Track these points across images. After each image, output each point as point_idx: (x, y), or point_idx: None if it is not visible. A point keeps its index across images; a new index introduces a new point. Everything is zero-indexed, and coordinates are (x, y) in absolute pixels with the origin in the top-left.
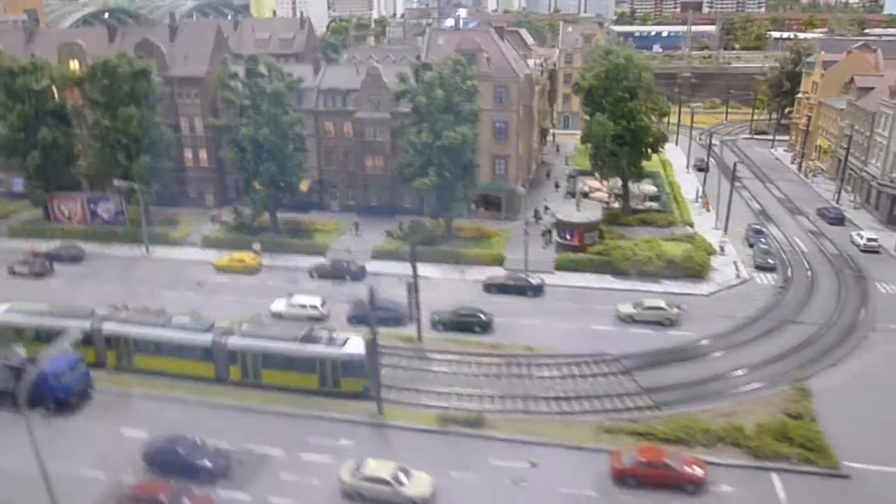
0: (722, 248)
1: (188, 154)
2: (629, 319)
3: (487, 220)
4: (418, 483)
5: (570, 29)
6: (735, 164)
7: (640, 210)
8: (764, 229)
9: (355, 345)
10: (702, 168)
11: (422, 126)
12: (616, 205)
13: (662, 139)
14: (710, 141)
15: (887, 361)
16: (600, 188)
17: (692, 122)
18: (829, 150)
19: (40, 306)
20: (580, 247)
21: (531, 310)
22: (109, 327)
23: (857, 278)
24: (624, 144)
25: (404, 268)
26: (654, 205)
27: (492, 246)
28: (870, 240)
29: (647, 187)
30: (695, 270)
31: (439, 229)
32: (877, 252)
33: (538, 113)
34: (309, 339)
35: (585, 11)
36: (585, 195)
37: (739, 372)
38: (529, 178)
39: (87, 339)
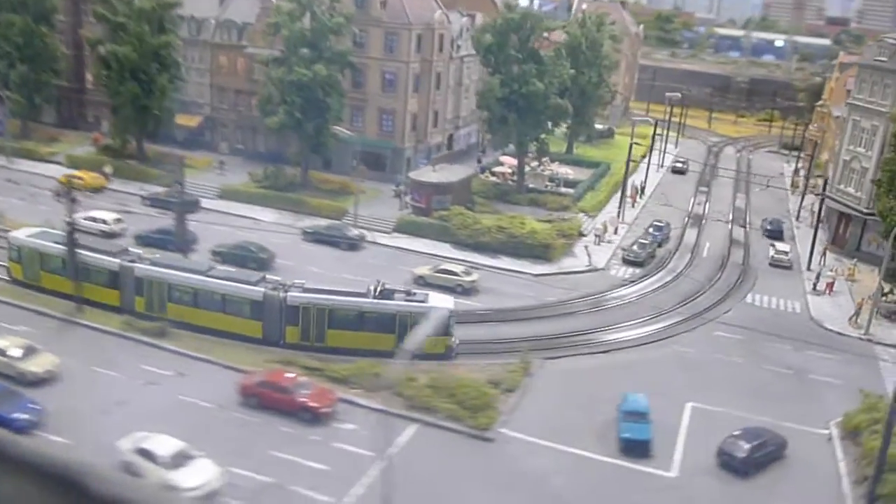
0: (598, 237)
1: (89, 76)
2: (421, 281)
3: (368, 179)
4: (41, 361)
5: (584, 6)
6: (684, 163)
7: (537, 190)
8: (664, 228)
9: (440, 300)
10: (678, 171)
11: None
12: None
13: (564, 113)
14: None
15: (651, 365)
16: (509, 163)
17: (709, 126)
18: (823, 164)
19: (62, 234)
20: (426, 209)
21: (331, 260)
22: (143, 269)
23: (732, 288)
24: (518, 113)
25: (250, 209)
26: (567, 190)
27: (345, 201)
28: (779, 252)
29: (562, 169)
30: (539, 250)
31: (297, 178)
32: (786, 267)
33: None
34: (384, 294)
35: (718, 14)
36: (493, 172)
37: (486, 342)
38: (428, 142)
39: (113, 280)
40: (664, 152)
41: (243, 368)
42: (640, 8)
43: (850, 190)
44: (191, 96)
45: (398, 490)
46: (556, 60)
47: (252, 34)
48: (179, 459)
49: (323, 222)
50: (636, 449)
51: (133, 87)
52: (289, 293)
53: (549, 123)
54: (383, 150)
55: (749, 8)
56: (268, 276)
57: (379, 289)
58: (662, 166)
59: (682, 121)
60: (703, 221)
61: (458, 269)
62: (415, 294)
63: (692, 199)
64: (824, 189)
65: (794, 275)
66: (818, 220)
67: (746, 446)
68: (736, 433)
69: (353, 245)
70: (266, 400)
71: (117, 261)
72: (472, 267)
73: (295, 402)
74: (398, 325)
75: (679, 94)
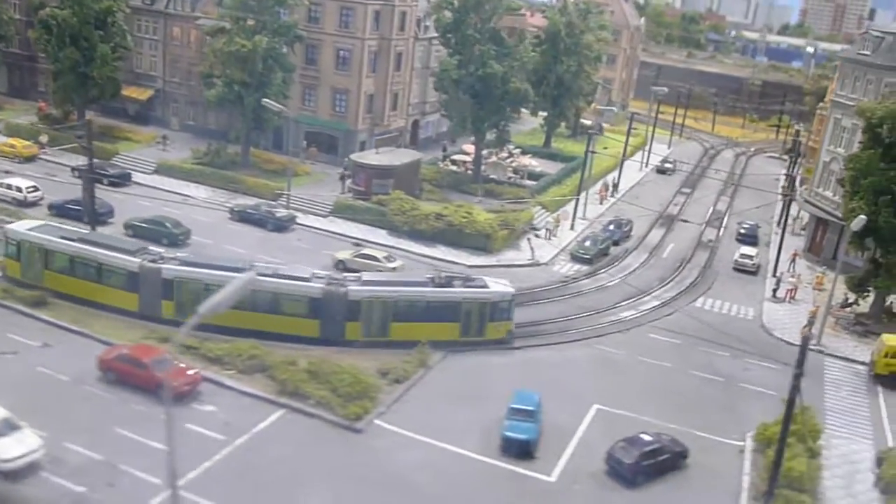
0: (548, 232)
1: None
2: (341, 266)
3: (319, 161)
4: None
5: None
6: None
7: (495, 181)
8: (623, 226)
9: (499, 284)
10: (664, 171)
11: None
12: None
13: (524, 99)
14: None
15: (569, 364)
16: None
17: (713, 129)
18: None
19: (78, 231)
20: (366, 193)
21: (253, 240)
22: (173, 271)
23: (683, 290)
24: (474, 96)
25: (183, 186)
26: (530, 182)
27: (286, 182)
28: (743, 256)
29: (526, 161)
30: (479, 241)
31: (239, 156)
32: (751, 272)
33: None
34: (444, 282)
35: (754, 20)
36: (453, 161)
37: None
38: (387, 126)
39: (132, 282)
40: (649, 150)
41: (115, 342)
42: (670, 9)
43: (828, 194)
44: (143, 69)
45: (238, 477)
46: (519, 43)
47: (206, 4)
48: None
49: (252, 201)
50: (517, 449)
51: (72, 52)
52: (349, 287)
53: (510, 109)
54: (336, 132)
55: (786, 15)
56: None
57: (435, 279)
58: (647, 165)
59: (683, 121)
60: (675, 222)
61: (379, 254)
62: (473, 280)
63: (670, 200)
64: (791, 189)
65: (757, 280)
66: (785, 224)
67: (636, 453)
68: (628, 438)
69: (281, 226)
70: (123, 375)
71: (136, 260)
72: (408, 255)
73: (151, 378)
74: (462, 313)
75: (665, 89)
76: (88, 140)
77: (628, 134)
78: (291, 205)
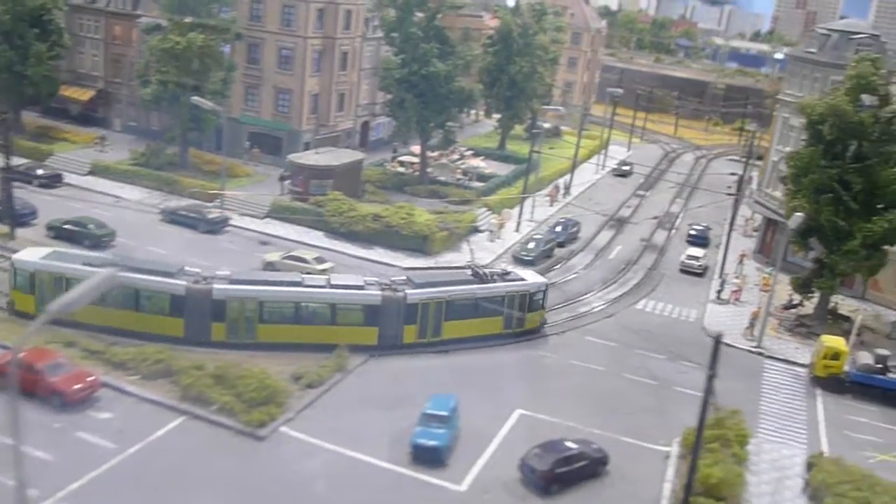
0: (491, 233)
1: None
2: (270, 268)
3: (262, 163)
4: None
5: None
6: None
7: (441, 182)
8: (569, 227)
9: (532, 275)
10: (621, 174)
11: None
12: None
13: (469, 99)
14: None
15: (498, 368)
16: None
17: (675, 132)
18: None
19: (100, 256)
20: (303, 194)
21: (182, 242)
22: (223, 290)
23: (626, 292)
24: (419, 96)
25: (117, 187)
26: (478, 184)
27: (227, 183)
28: (690, 257)
29: (476, 162)
30: (417, 242)
31: (177, 157)
32: (698, 274)
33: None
34: (485, 277)
35: (727, 28)
36: (400, 162)
37: None
38: (334, 128)
39: (177, 306)
40: (606, 153)
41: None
42: (643, 15)
43: (777, 194)
44: (85, 68)
45: (123, 488)
46: (464, 41)
47: (148, 2)
48: None
49: (183, 203)
50: (427, 456)
51: (5, 51)
52: (407, 291)
53: (456, 109)
54: (279, 133)
55: (758, 22)
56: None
57: (474, 273)
58: (604, 168)
59: (644, 124)
60: (626, 224)
61: (309, 256)
62: (509, 273)
63: (624, 202)
64: (738, 189)
65: (704, 282)
66: (731, 224)
67: (550, 460)
68: (543, 444)
69: (212, 228)
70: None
71: (182, 282)
72: (343, 257)
73: (44, 384)
74: (506, 307)
75: (621, 91)
76: (5, 139)
77: (579, 135)
78: (228, 206)
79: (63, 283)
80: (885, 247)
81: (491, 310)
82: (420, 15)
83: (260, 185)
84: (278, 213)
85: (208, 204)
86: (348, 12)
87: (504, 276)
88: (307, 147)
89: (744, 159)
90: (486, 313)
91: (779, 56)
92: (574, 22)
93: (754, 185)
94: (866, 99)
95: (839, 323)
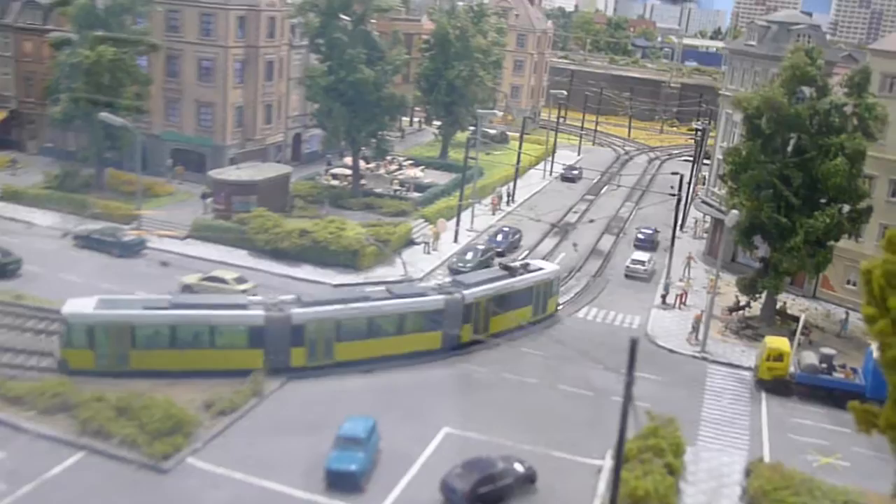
0: (427, 245)
1: None
2: (188, 291)
3: (186, 181)
4: None
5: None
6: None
7: (375, 194)
8: (510, 235)
9: (547, 264)
10: (569, 179)
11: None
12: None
13: (400, 105)
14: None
15: (425, 386)
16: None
17: (629, 134)
18: None
19: (160, 297)
20: (226, 212)
21: (96, 268)
22: (301, 315)
23: (567, 301)
24: (347, 104)
25: (27, 212)
26: (415, 194)
27: (146, 203)
28: (634, 262)
29: (414, 172)
30: (346, 258)
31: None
32: (643, 279)
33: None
34: (516, 271)
35: (687, 26)
36: (333, 175)
37: None
38: (262, 141)
39: (256, 337)
40: (553, 158)
41: None
42: (599, 15)
43: (723, 192)
44: None
45: None
46: (393, 45)
47: (59, 16)
48: None
49: (97, 226)
50: (343, 482)
51: None
52: (464, 293)
53: (388, 118)
54: (203, 149)
55: (718, 19)
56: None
57: (506, 268)
58: (551, 173)
59: (595, 127)
60: (571, 231)
61: (228, 276)
62: (528, 264)
63: (571, 208)
64: (680, 189)
65: (650, 287)
66: (675, 226)
67: (472, 479)
68: (465, 463)
69: (129, 251)
70: None
71: (260, 313)
72: (268, 275)
73: None
74: (534, 296)
75: (564, 93)
76: None
77: (521, 140)
78: (147, 228)
79: (128, 332)
80: (830, 243)
81: (524, 301)
82: (346, 19)
83: (182, 204)
84: (200, 232)
85: (125, 226)
86: (271, 19)
87: (526, 267)
88: (233, 163)
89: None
90: (520, 305)
91: None
92: (519, 23)
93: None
94: (802, 90)
95: (788, 323)
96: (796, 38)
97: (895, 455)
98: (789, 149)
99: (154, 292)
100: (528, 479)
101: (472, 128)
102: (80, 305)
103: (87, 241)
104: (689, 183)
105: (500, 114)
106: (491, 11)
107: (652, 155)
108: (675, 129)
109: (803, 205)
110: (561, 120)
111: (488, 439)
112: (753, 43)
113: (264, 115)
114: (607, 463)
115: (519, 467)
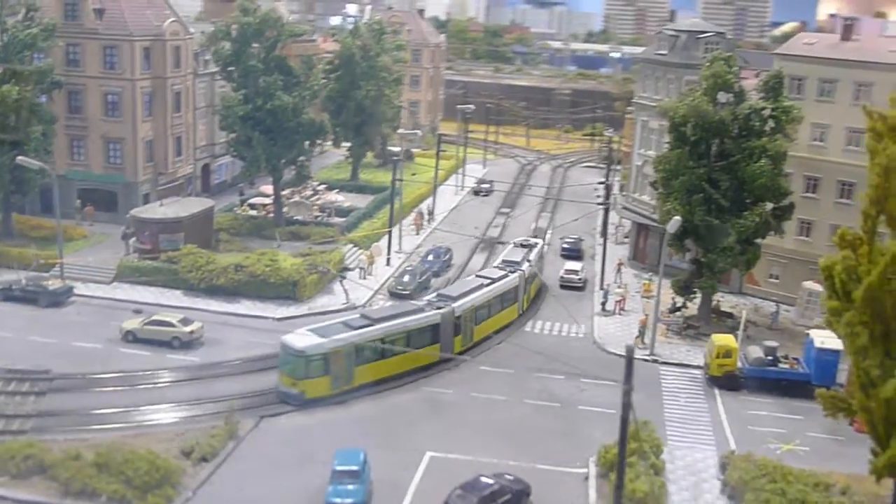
0: (362, 270)
1: None
2: (130, 337)
3: (97, 221)
4: None
5: (378, 16)
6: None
7: (300, 222)
8: (442, 255)
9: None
10: (481, 192)
11: None
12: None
13: (321, 131)
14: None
15: (396, 413)
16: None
17: (528, 143)
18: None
19: (362, 317)
20: (153, 251)
21: (21, 321)
22: (461, 304)
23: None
24: (266, 132)
25: None
26: (339, 220)
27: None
28: (568, 272)
29: (333, 196)
30: (286, 290)
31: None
32: (578, 288)
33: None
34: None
35: (559, 29)
36: (251, 205)
37: (195, 402)
38: (173, 174)
39: (434, 334)
40: (464, 173)
41: None
42: (473, 23)
43: (645, 198)
44: None
45: None
46: (308, 70)
47: None
48: None
49: (16, 276)
50: None
51: None
52: (453, 305)
53: (308, 144)
54: (114, 186)
55: (590, 21)
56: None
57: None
58: (463, 188)
59: (496, 138)
60: (496, 245)
61: (173, 318)
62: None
63: (490, 222)
64: (607, 197)
65: (586, 295)
66: (605, 234)
67: (474, 499)
68: (464, 484)
69: (55, 300)
70: None
71: (435, 311)
72: (207, 314)
73: None
74: (514, 296)
75: (472, 107)
76: None
77: (438, 156)
78: (68, 274)
79: (353, 353)
80: (758, 240)
81: (506, 303)
82: (257, 46)
83: (101, 246)
84: (127, 275)
85: (44, 274)
86: (176, 48)
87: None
88: (147, 199)
89: (602, 166)
90: (501, 308)
91: (615, 55)
92: (412, 38)
93: (616, 191)
94: (721, 97)
95: (723, 320)
96: (705, 45)
97: (871, 436)
98: (713, 153)
99: (94, 341)
100: (525, 493)
101: (394, 148)
102: (301, 339)
103: (8, 294)
104: (608, 188)
105: (421, 132)
106: (389, 28)
107: (554, 163)
108: (569, 135)
109: (731, 206)
110: (460, 133)
111: (473, 459)
112: (665, 52)
113: (175, 148)
114: (592, 470)
115: (514, 483)
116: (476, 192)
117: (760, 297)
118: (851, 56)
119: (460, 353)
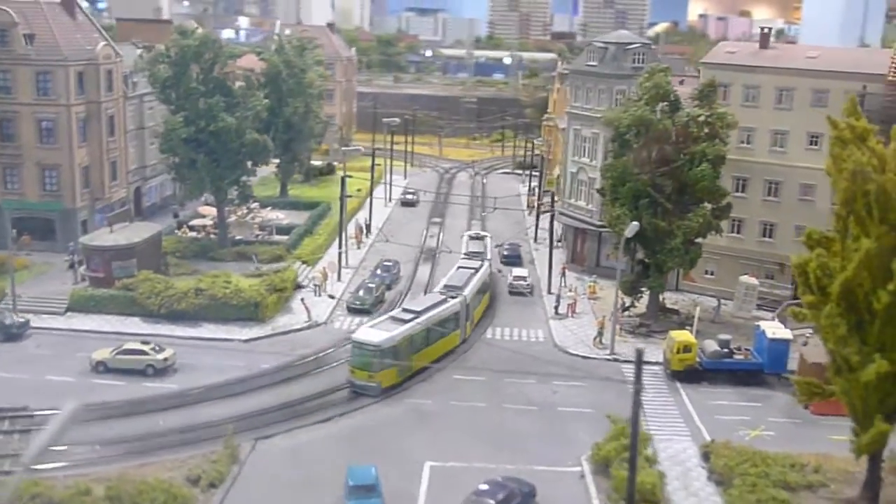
0: (317, 287)
1: None
2: (101, 367)
3: (35, 251)
4: None
5: (287, 31)
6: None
7: (244, 242)
8: (392, 267)
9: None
10: (409, 203)
11: None
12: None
13: (264, 150)
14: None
15: (384, 427)
16: (211, 213)
17: (441, 152)
18: (555, 180)
19: (405, 309)
20: (106, 279)
21: None
22: (468, 294)
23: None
24: (209, 154)
25: None
26: (281, 237)
27: (2, 280)
28: (516, 279)
29: (273, 214)
30: (248, 311)
31: None
32: (527, 293)
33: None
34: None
35: (444, 36)
36: (191, 227)
37: (185, 430)
38: (109, 199)
39: (456, 321)
40: (390, 184)
41: None
42: (362, 33)
43: (581, 203)
44: None
45: None
46: (248, 90)
47: None
48: None
49: None
50: None
51: None
52: (464, 293)
53: (250, 163)
54: (50, 214)
55: (475, 28)
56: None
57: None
58: (391, 200)
59: (411, 149)
60: (437, 255)
61: (145, 346)
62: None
63: (425, 232)
64: (552, 205)
65: (535, 300)
66: (552, 240)
67: (492, 503)
68: (480, 490)
69: (13, 335)
70: None
71: (457, 299)
72: (172, 340)
73: None
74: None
75: (398, 120)
76: None
77: (372, 169)
78: (18, 307)
79: (411, 342)
80: (699, 240)
81: (485, 290)
82: (195, 67)
83: (44, 276)
84: (81, 304)
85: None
86: (109, 72)
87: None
88: (85, 226)
89: (518, 172)
90: (483, 292)
91: (507, 61)
92: (325, 53)
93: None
94: (661, 106)
95: (668, 316)
96: (633, 56)
97: (852, 418)
98: (654, 160)
99: (63, 374)
100: (531, 495)
101: (316, 163)
102: (370, 334)
103: None
104: (539, 195)
105: (363, 149)
106: (309, 45)
107: (470, 171)
108: (477, 142)
109: (675, 208)
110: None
111: (471, 465)
112: (595, 63)
113: (110, 172)
114: (586, 468)
115: (521, 485)
116: (404, 203)
117: (697, 293)
118: (772, 63)
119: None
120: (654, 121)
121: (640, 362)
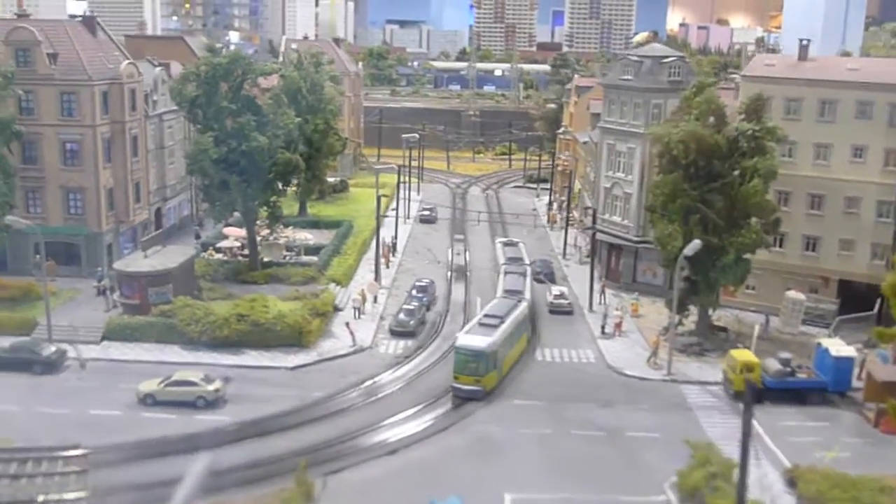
0: (357, 310)
1: None
2: (150, 400)
3: (60, 277)
4: None
5: (294, 45)
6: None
7: (275, 263)
8: (428, 288)
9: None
10: (427, 220)
11: None
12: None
13: (296, 169)
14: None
15: (453, 457)
16: (236, 234)
17: (448, 167)
18: (577, 195)
19: (486, 321)
20: (142, 306)
21: (21, 391)
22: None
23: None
24: (241, 174)
25: None
26: (310, 258)
27: (32, 308)
28: (557, 297)
29: (300, 234)
30: (292, 337)
31: None
32: (568, 312)
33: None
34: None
35: (429, 48)
36: (218, 249)
37: (250, 466)
38: (132, 222)
39: (528, 323)
40: (409, 201)
41: None
42: (348, 46)
43: (616, 219)
44: None
45: None
46: (277, 108)
47: None
48: None
49: (4, 342)
50: None
51: None
52: (527, 297)
53: (281, 183)
54: (75, 238)
55: (458, 40)
56: None
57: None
58: (410, 217)
59: (421, 164)
60: (468, 273)
61: (195, 377)
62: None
63: (450, 250)
64: (594, 222)
65: (577, 319)
66: (593, 257)
67: None
68: None
69: (51, 366)
70: None
71: (526, 305)
72: (223, 368)
73: None
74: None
75: (417, 136)
76: None
77: (398, 187)
78: (57, 336)
79: (503, 347)
80: (747, 255)
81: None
82: (224, 86)
83: (73, 303)
84: (117, 332)
85: (25, 338)
86: (132, 91)
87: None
88: (110, 250)
89: (530, 186)
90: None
91: (498, 73)
92: (335, 67)
93: (555, 210)
94: (710, 121)
95: (717, 334)
96: (668, 69)
97: None
98: (703, 175)
99: (109, 407)
100: None
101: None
102: (479, 340)
103: None
104: (568, 210)
105: (392, 165)
106: (325, 60)
107: (482, 185)
108: (481, 155)
109: (726, 225)
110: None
111: (553, 496)
112: (630, 77)
113: (134, 194)
114: (672, 497)
115: None
116: (423, 220)
117: (738, 308)
118: (814, 75)
119: None
120: (705, 136)
121: (750, 389)
